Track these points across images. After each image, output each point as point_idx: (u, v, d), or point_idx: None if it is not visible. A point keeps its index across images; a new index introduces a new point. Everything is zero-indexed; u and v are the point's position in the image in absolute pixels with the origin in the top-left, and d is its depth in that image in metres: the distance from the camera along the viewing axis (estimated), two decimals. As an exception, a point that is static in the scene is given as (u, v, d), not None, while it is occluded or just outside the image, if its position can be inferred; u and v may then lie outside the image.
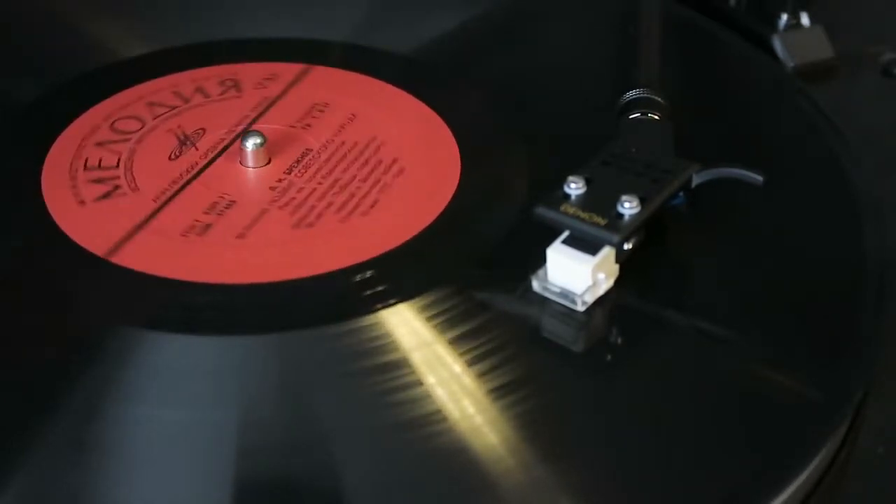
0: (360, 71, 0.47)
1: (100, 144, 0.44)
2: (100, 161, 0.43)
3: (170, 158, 0.43)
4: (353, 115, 0.46)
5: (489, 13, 0.51)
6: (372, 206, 0.42)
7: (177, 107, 0.46)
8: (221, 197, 0.42)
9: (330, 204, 0.42)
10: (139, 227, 0.41)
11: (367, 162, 0.43)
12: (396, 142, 0.44)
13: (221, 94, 0.46)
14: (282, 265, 0.39)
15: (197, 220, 0.41)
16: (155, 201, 0.42)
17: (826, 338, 0.38)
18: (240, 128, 0.45)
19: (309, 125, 0.45)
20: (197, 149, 0.44)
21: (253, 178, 0.43)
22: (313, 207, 0.42)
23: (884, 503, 0.37)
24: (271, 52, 0.49)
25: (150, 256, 0.39)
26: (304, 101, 0.46)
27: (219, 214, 0.41)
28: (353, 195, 0.42)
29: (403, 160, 0.44)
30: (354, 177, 0.43)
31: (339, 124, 0.45)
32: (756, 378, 0.37)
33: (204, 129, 0.45)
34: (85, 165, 0.43)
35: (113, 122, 0.45)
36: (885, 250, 0.41)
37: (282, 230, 0.41)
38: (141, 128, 0.45)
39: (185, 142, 0.42)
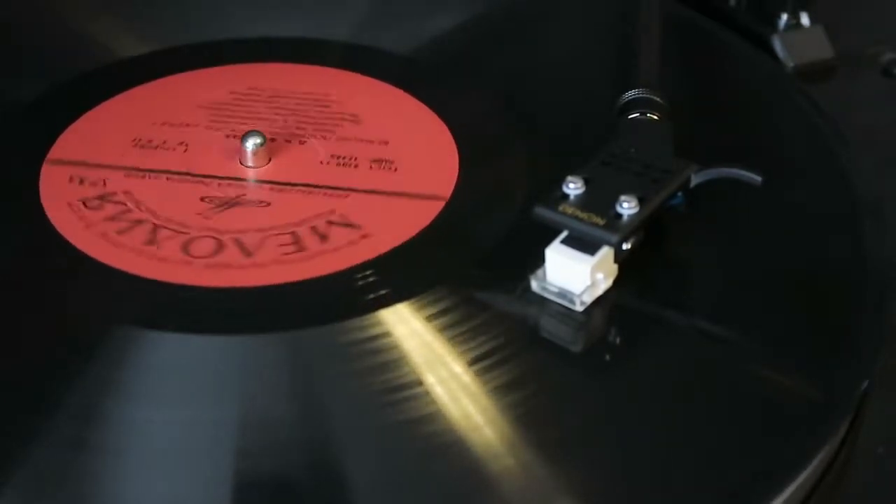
0: (360, 71, 0.47)
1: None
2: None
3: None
4: (352, 114, 0.46)
5: (489, 13, 0.51)
6: (373, 205, 0.42)
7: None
8: (232, 199, 0.42)
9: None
10: (157, 236, 0.41)
11: (366, 162, 0.44)
12: (396, 141, 0.44)
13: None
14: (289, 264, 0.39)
15: (211, 223, 0.41)
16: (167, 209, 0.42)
17: (826, 338, 0.38)
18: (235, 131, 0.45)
19: (305, 124, 0.45)
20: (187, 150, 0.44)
21: (255, 177, 0.43)
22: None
23: (884, 503, 0.37)
24: (273, 52, 0.49)
25: (174, 264, 0.39)
26: (301, 100, 0.46)
27: (229, 214, 0.41)
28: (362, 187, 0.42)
29: (403, 160, 0.44)
30: (357, 171, 0.43)
31: (336, 123, 0.45)
32: (756, 378, 0.37)
33: (186, 144, 0.44)
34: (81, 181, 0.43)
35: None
36: (885, 250, 0.41)
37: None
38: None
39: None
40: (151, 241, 0.40)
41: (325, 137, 0.45)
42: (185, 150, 0.44)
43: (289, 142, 0.44)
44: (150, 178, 0.43)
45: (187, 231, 0.41)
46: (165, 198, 0.42)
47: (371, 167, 0.43)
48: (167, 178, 0.43)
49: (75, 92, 0.46)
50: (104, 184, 0.43)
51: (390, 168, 0.43)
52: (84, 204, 0.42)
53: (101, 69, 0.48)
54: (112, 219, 0.41)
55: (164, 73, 0.47)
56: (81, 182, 0.42)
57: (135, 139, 0.44)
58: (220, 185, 0.42)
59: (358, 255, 0.40)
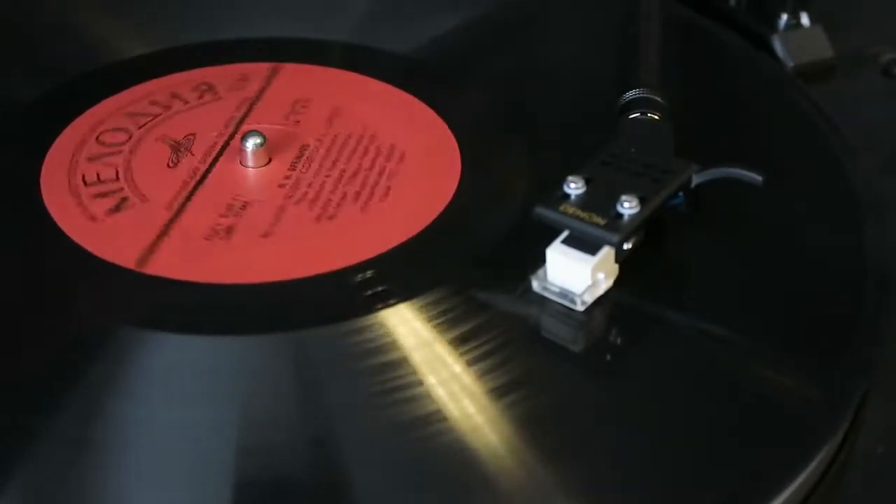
0: (360, 71, 0.47)
1: (92, 159, 0.43)
2: (98, 175, 0.43)
3: (168, 167, 0.43)
4: (352, 114, 0.46)
5: (489, 13, 0.51)
6: (382, 198, 0.42)
7: (159, 115, 0.45)
8: (235, 199, 0.42)
9: (345, 195, 0.42)
10: (161, 234, 0.41)
11: (366, 157, 0.44)
12: (396, 141, 0.44)
13: (199, 98, 0.46)
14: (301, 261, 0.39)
15: (218, 224, 0.41)
16: (168, 209, 0.41)
17: (826, 338, 0.38)
18: (229, 129, 0.45)
19: (298, 122, 0.45)
20: (193, 154, 0.44)
21: (258, 177, 0.43)
22: (329, 200, 0.42)
23: (884, 503, 0.37)
24: (273, 52, 0.49)
25: (178, 262, 0.39)
26: (287, 99, 0.46)
27: (237, 216, 0.41)
28: (363, 185, 0.42)
29: (403, 159, 0.44)
30: (359, 169, 0.43)
31: (336, 123, 0.45)
32: (756, 378, 0.37)
33: (194, 135, 0.44)
34: (84, 182, 0.42)
35: (98, 136, 0.44)
36: (885, 250, 0.41)
37: (305, 225, 0.41)
38: (128, 139, 0.44)
39: (179, 149, 0.42)
40: (161, 235, 0.40)
41: (324, 136, 0.45)
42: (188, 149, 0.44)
43: (288, 142, 0.44)
44: (154, 173, 0.43)
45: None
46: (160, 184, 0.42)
47: (371, 166, 0.43)
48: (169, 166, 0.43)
49: (75, 92, 0.46)
50: (107, 179, 0.43)
51: (390, 167, 0.43)
52: (96, 219, 0.42)
53: (101, 69, 0.48)
54: (114, 210, 0.41)
55: (164, 74, 0.47)
56: (86, 196, 0.42)
57: (130, 137, 0.44)
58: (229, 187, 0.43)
59: (364, 252, 0.40)
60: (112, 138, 0.44)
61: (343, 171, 0.43)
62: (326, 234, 0.41)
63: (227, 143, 0.44)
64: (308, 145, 0.44)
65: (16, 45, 0.49)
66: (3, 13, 0.50)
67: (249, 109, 0.46)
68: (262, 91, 0.47)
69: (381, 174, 0.43)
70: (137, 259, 0.39)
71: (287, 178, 0.43)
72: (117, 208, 0.42)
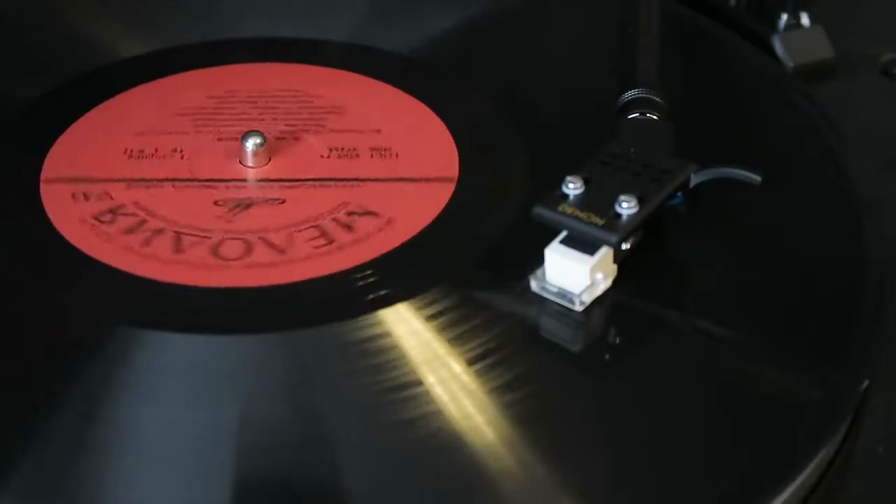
0: (360, 71, 0.47)
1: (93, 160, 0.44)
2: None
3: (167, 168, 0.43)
4: (352, 114, 0.46)
5: (489, 13, 0.51)
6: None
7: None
8: (236, 199, 0.42)
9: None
10: (161, 235, 0.41)
11: (365, 157, 0.44)
12: (396, 141, 0.44)
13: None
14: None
15: (221, 224, 0.41)
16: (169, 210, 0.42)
17: (826, 338, 0.38)
18: (228, 129, 0.45)
19: (296, 122, 0.45)
20: (189, 155, 0.44)
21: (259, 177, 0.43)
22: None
23: (884, 503, 0.37)
24: (273, 52, 0.49)
25: (180, 262, 0.39)
26: (299, 101, 0.46)
27: (240, 216, 0.41)
28: (363, 185, 0.42)
29: (403, 159, 0.44)
30: (358, 168, 0.43)
31: (337, 123, 0.45)
32: (756, 378, 0.37)
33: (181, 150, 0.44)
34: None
35: (97, 138, 0.44)
36: (885, 250, 0.41)
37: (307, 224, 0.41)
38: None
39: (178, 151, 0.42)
40: (178, 250, 0.40)
41: (322, 138, 0.45)
42: (182, 157, 0.44)
43: (287, 141, 0.44)
44: (154, 187, 0.43)
45: (210, 235, 0.40)
46: (177, 204, 0.42)
47: (371, 166, 0.43)
48: (173, 186, 0.43)
49: (75, 92, 0.46)
50: (108, 195, 0.43)
51: (391, 167, 0.43)
52: (86, 204, 0.42)
53: (101, 69, 0.48)
54: (115, 212, 0.41)
55: (164, 74, 0.47)
56: (85, 197, 0.42)
57: (126, 149, 0.44)
58: (228, 187, 0.42)
59: (386, 244, 0.40)
60: (112, 140, 0.44)
61: (342, 172, 0.43)
62: (327, 233, 0.41)
63: (225, 143, 0.44)
64: (307, 145, 0.44)
65: (16, 45, 0.49)
66: (3, 13, 0.51)
67: (245, 109, 0.46)
68: (259, 92, 0.47)
69: (380, 174, 0.43)
70: (137, 260, 0.39)
71: (288, 177, 0.43)
72: (118, 210, 0.42)
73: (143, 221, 0.41)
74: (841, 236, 0.41)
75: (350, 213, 0.41)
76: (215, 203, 0.42)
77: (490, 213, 0.41)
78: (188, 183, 0.43)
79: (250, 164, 0.43)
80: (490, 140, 0.44)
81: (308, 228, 0.41)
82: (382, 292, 0.38)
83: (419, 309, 0.38)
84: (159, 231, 0.41)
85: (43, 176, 0.43)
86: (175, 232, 0.41)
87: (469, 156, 0.44)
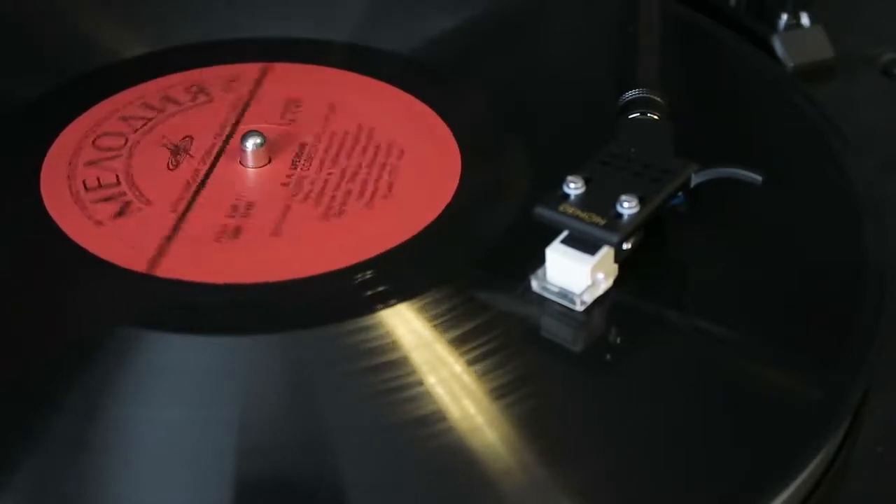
0: (360, 71, 0.47)
1: (91, 163, 0.43)
2: (98, 180, 0.43)
3: (168, 169, 0.43)
4: (352, 114, 0.46)
5: (489, 13, 0.51)
6: (382, 197, 0.42)
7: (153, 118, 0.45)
8: (238, 199, 0.42)
9: (349, 192, 0.42)
10: (169, 238, 0.41)
11: (365, 157, 0.44)
12: (396, 141, 0.44)
13: (192, 99, 0.46)
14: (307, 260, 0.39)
15: (225, 224, 0.41)
16: (173, 211, 0.41)
17: (826, 338, 0.38)
18: (226, 130, 0.45)
19: (296, 122, 0.45)
20: (192, 156, 0.44)
21: (260, 177, 0.43)
22: (334, 197, 0.42)
23: (884, 503, 0.37)
24: (273, 52, 0.49)
25: (186, 263, 0.39)
26: (284, 99, 0.46)
27: (243, 216, 0.41)
28: (363, 185, 0.42)
29: (402, 159, 0.44)
30: (359, 167, 0.43)
31: (337, 123, 0.45)
32: (756, 378, 0.37)
33: (191, 137, 0.44)
34: (85, 187, 0.42)
35: (94, 140, 0.44)
36: (885, 250, 0.41)
37: (308, 225, 0.41)
38: (125, 143, 0.44)
39: (178, 151, 0.42)
40: (168, 238, 0.40)
41: (323, 136, 0.45)
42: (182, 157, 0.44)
43: (287, 142, 0.44)
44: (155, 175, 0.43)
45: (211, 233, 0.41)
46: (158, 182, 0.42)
47: (370, 166, 0.43)
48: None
49: (75, 92, 0.46)
50: (108, 183, 0.43)
51: (390, 167, 0.43)
52: (101, 223, 0.42)
53: (101, 69, 0.48)
54: (118, 215, 0.41)
55: (164, 74, 0.47)
56: (88, 201, 0.42)
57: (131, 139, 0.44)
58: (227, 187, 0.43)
59: (386, 244, 0.40)
60: (109, 143, 0.44)
61: (343, 170, 0.43)
62: (327, 233, 0.41)
63: (225, 144, 0.44)
64: (307, 145, 0.44)
65: (16, 45, 0.49)
66: (3, 13, 0.50)
67: (244, 110, 0.46)
68: (256, 91, 0.47)
69: (380, 174, 0.43)
70: (148, 261, 0.39)
71: (289, 177, 0.43)
72: (121, 212, 0.41)
73: (144, 220, 0.41)
74: (841, 236, 0.41)
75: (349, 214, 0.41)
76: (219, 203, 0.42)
77: (490, 213, 0.41)
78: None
79: (250, 164, 0.43)
80: (490, 140, 0.44)
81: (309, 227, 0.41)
82: (383, 292, 0.38)
83: (420, 309, 0.38)
84: (160, 231, 0.41)
85: (43, 175, 0.43)
86: (176, 232, 0.41)
87: (469, 156, 0.44)
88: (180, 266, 0.39)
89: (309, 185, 0.42)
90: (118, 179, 0.43)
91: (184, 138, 0.44)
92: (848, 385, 0.37)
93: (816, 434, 0.35)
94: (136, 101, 0.46)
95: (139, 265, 0.39)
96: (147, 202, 0.42)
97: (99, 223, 0.41)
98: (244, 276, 0.39)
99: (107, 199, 0.42)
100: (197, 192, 0.42)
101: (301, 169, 0.43)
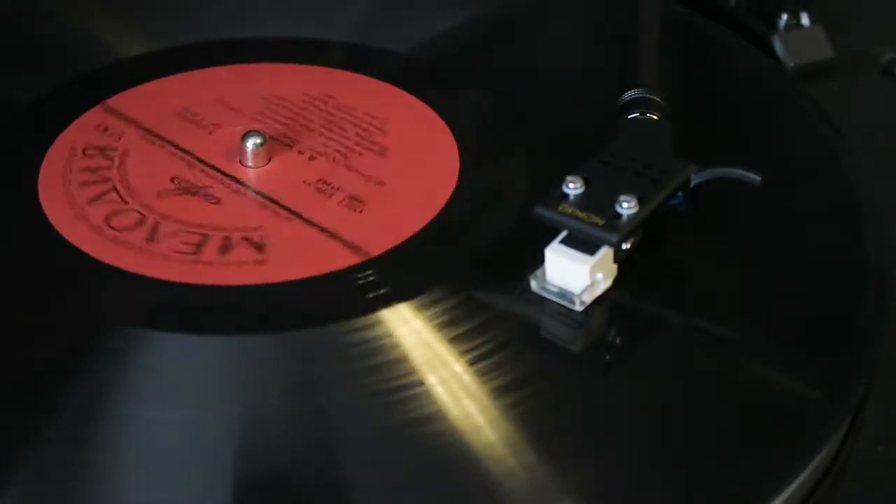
0: (360, 71, 0.47)
1: (90, 161, 0.43)
2: (97, 179, 0.43)
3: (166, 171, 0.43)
4: (351, 114, 0.46)
5: (489, 13, 0.51)
6: (381, 197, 0.42)
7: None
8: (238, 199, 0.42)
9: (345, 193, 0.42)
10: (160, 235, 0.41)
11: (365, 157, 0.44)
12: (396, 141, 0.44)
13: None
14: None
15: (221, 225, 0.41)
16: (169, 211, 0.41)
17: (826, 338, 0.38)
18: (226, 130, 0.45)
19: (296, 122, 0.45)
20: (193, 160, 0.44)
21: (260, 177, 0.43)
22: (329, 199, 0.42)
23: (884, 503, 0.37)
24: (273, 52, 0.49)
25: (179, 263, 0.39)
26: (283, 99, 0.46)
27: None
28: (363, 185, 0.42)
29: (403, 159, 0.44)
30: (358, 169, 0.43)
31: (337, 123, 0.45)
32: (756, 378, 0.37)
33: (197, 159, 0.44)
34: (83, 184, 0.42)
35: (94, 139, 0.44)
36: (885, 250, 0.41)
37: (306, 225, 0.41)
38: (122, 142, 0.44)
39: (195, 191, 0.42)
40: (151, 239, 0.40)
41: (323, 139, 0.45)
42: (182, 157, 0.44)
43: (289, 145, 0.44)
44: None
45: (211, 234, 0.41)
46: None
47: (371, 165, 0.43)
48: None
49: (75, 92, 0.46)
50: (107, 185, 0.43)
51: (390, 167, 0.43)
52: (86, 205, 0.42)
53: (101, 69, 0.48)
54: (112, 215, 0.41)
55: (164, 74, 0.47)
56: (82, 183, 0.42)
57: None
58: (228, 188, 0.43)
59: (386, 244, 0.40)
60: (107, 141, 0.44)
61: (342, 170, 0.43)
62: (327, 233, 0.41)
63: (225, 144, 0.44)
64: (307, 144, 0.44)
65: (16, 45, 0.49)
66: (2, 13, 0.51)
67: (244, 109, 0.46)
68: (258, 91, 0.47)
69: (380, 174, 0.43)
70: (148, 261, 0.39)
71: (289, 177, 0.43)
72: (115, 211, 0.42)
73: (143, 220, 0.41)
74: (841, 236, 0.41)
75: (350, 214, 0.41)
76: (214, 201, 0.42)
77: (490, 213, 0.41)
78: (186, 182, 0.43)
79: (250, 164, 0.43)
80: (490, 140, 0.44)
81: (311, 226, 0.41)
82: (383, 292, 0.38)
83: (419, 309, 0.38)
84: (161, 230, 0.41)
85: (42, 176, 0.43)
86: (178, 232, 0.41)
87: (469, 156, 0.44)
88: (172, 265, 0.39)
89: (308, 185, 0.42)
90: (116, 181, 0.43)
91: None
92: (848, 385, 0.37)
93: (816, 434, 0.35)
94: (139, 100, 0.46)
95: (139, 265, 0.39)
96: (144, 204, 0.42)
97: (97, 224, 0.41)
98: (236, 277, 0.39)
99: (101, 197, 0.42)
100: (193, 193, 0.42)
101: (301, 171, 0.43)
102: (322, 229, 0.41)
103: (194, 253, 0.40)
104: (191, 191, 0.42)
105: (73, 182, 0.42)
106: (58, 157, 0.44)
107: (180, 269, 0.39)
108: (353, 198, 0.42)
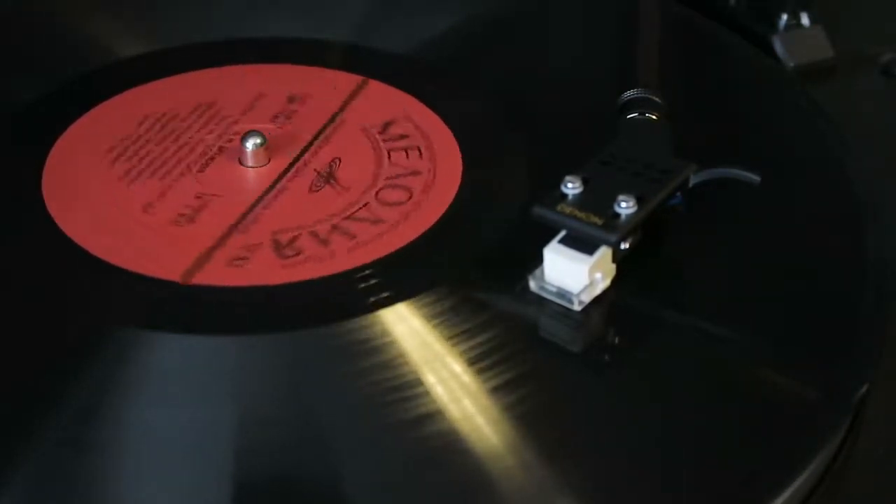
0: (360, 71, 0.47)
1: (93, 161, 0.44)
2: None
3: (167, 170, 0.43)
4: (351, 115, 0.46)
5: (489, 13, 0.51)
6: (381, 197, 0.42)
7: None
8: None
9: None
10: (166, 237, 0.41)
11: (365, 156, 0.44)
12: (395, 140, 0.44)
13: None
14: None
15: (221, 224, 0.41)
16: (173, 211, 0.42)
17: (826, 338, 0.38)
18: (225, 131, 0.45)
19: (296, 122, 0.45)
20: (187, 157, 0.44)
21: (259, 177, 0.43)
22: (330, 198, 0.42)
23: (884, 503, 0.37)
24: (273, 52, 0.49)
25: (181, 263, 0.39)
26: (284, 98, 0.46)
27: (242, 216, 0.41)
28: (363, 184, 0.42)
29: (402, 159, 0.44)
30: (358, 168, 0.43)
31: (337, 122, 0.45)
32: (756, 378, 0.37)
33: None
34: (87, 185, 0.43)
35: (97, 139, 0.44)
36: (885, 250, 0.41)
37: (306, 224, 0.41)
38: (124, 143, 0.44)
39: (326, 178, 0.42)
40: (166, 238, 0.40)
41: (323, 136, 0.45)
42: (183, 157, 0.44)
43: (286, 142, 0.44)
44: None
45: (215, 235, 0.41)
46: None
47: (370, 165, 0.43)
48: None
49: (75, 92, 0.46)
50: (108, 195, 0.43)
51: (390, 167, 0.43)
52: (90, 205, 0.42)
53: (101, 69, 0.48)
54: (118, 214, 0.41)
55: (164, 74, 0.47)
56: (86, 197, 0.42)
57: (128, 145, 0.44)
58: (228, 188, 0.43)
59: (386, 244, 0.40)
60: (111, 142, 0.44)
61: (342, 170, 0.43)
62: (326, 233, 0.41)
63: (226, 144, 0.44)
64: (308, 145, 0.44)
65: (16, 45, 0.49)
66: (2, 13, 0.51)
67: (247, 111, 0.46)
68: (258, 91, 0.47)
69: (380, 173, 0.43)
70: (147, 261, 0.39)
71: (289, 177, 0.43)
72: (119, 210, 0.42)
73: (143, 221, 0.41)
74: (841, 236, 0.41)
75: (351, 213, 0.41)
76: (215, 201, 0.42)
77: (490, 213, 0.41)
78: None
79: (250, 164, 0.43)
80: (490, 140, 0.44)
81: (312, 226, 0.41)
82: (383, 292, 0.38)
83: (419, 309, 0.38)
84: (158, 231, 0.41)
85: (43, 176, 0.43)
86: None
87: (469, 156, 0.44)
88: (173, 265, 0.39)
89: (306, 185, 0.42)
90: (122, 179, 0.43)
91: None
92: (848, 385, 0.37)
93: (816, 434, 0.35)
94: (138, 100, 0.46)
95: (139, 265, 0.39)
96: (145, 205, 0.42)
97: (97, 220, 0.41)
98: (236, 278, 0.39)
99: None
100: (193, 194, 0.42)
101: (301, 171, 0.43)
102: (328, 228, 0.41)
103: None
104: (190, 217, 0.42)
105: (79, 185, 0.42)
106: (61, 157, 0.43)
107: (183, 269, 0.39)
108: (353, 197, 0.42)
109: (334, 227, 0.41)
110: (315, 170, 0.43)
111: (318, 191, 0.42)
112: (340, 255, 0.40)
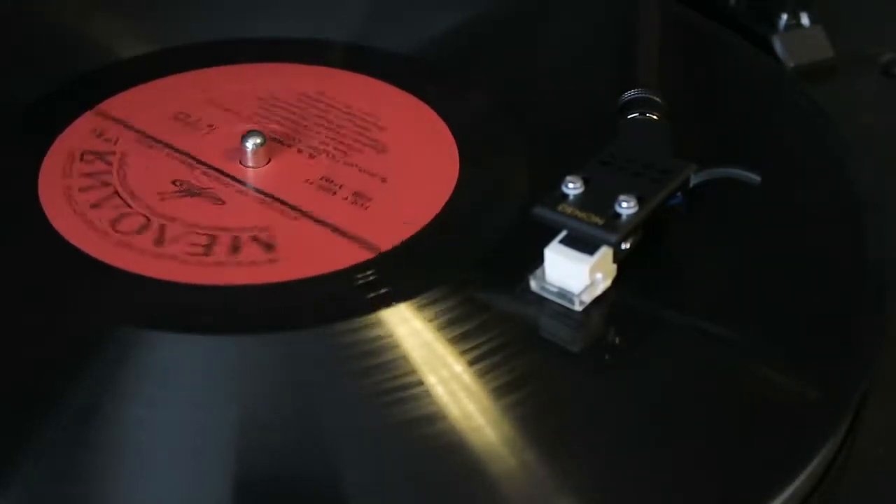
0: (360, 71, 0.47)
1: (90, 161, 0.43)
2: (97, 179, 0.43)
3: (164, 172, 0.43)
4: (351, 115, 0.46)
5: (489, 13, 0.51)
6: (381, 197, 0.42)
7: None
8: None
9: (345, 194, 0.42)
10: (160, 236, 0.41)
11: (365, 156, 0.44)
12: (396, 141, 0.44)
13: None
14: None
15: (220, 225, 0.41)
16: (167, 212, 0.41)
17: (826, 337, 0.38)
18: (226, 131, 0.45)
19: (296, 121, 0.45)
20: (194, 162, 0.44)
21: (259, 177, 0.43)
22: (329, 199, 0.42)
23: (884, 503, 0.37)
24: (273, 52, 0.49)
25: (179, 263, 0.40)
26: (284, 99, 0.46)
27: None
28: (363, 184, 0.42)
29: (403, 159, 0.44)
30: (358, 168, 0.43)
31: (337, 122, 0.45)
32: (756, 378, 0.37)
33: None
34: (83, 186, 0.42)
35: (94, 140, 0.44)
36: (885, 250, 0.41)
37: (306, 224, 0.41)
38: (119, 142, 0.44)
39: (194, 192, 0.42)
40: (159, 241, 0.40)
41: (322, 138, 0.45)
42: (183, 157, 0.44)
43: (288, 145, 0.44)
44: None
45: (217, 235, 0.41)
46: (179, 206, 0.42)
47: (371, 165, 0.43)
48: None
49: (75, 92, 0.46)
50: (108, 190, 0.43)
51: (390, 167, 0.43)
52: (86, 206, 0.42)
53: (101, 69, 0.48)
54: (115, 219, 0.41)
55: (164, 74, 0.47)
56: (83, 184, 0.42)
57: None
58: (228, 189, 0.43)
59: (386, 244, 0.40)
60: (105, 146, 0.44)
61: (342, 170, 0.43)
62: (325, 233, 0.41)
63: (226, 143, 0.44)
64: (308, 145, 0.44)
65: (16, 45, 0.49)
66: (3, 13, 0.51)
67: (244, 109, 0.46)
68: (258, 91, 0.47)
69: (380, 173, 0.43)
70: (148, 262, 0.39)
71: (289, 177, 0.43)
72: (119, 217, 0.42)
73: (149, 223, 0.41)
74: (841, 236, 0.41)
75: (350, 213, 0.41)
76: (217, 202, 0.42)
77: (490, 213, 0.41)
78: (188, 184, 0.43)
79: (250, 164, 0.43)
80: (490, 140, 0.44)
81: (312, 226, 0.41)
82: (383, 292, 0.38)
83: (419, 309, 0.38)
84: (161, 230, 0.41)
85: (42, 176, 0.43)
86: (186, 234, 0.41)
87: (469, 155, 0.44)
88: (171, 265, 0.39)
89: (306, 185, 0.42)
90: (117, 185, 0.43)
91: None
92: (848, 385, 0.37)
93: (816, 434, 0.35)
94: (138, 100, 0.46)
95: (139, 266, 0.39)
96: (142, 203, 0.42)
97: (103, 229, 0.41)
98: (236, 277, 0.39)
99: (103, 199, 0.42)
100: (193, 195, 0.42)
101: (301, 171, 0.43)
102: (332, 227, 0.41)
103: (204, 254, 0.40)
104: (193, 192, 0.42)
105: (73, 187, 0.42)
106: (56, 162, 0.43)
107: (191, 271, 0.39)
108: (357, 194, 0.42)
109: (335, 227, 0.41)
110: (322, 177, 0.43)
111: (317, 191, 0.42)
112: (340, 255, 0.40)
